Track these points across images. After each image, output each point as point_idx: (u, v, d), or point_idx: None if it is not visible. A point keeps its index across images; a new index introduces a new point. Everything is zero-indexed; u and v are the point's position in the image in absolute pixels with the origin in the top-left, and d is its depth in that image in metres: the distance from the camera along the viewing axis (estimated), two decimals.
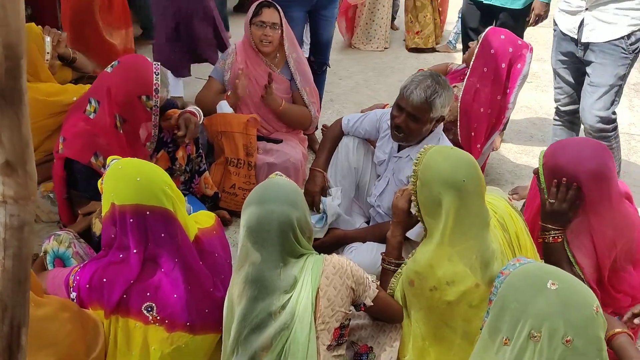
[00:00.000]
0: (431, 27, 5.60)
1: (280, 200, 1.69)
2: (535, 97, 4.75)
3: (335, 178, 2.83)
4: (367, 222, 2.90)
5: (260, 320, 1.68)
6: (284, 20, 3.09)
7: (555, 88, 3.29)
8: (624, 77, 2.91)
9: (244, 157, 2.97)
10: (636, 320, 1.83)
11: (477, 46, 3.01)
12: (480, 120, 3.05)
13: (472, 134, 3.05)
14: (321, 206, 2.71)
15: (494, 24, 3.58)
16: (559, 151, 2.08)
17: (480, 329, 1.49)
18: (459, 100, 3.01)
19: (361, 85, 4.82)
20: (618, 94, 2.94)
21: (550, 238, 2.09)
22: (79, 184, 2.45)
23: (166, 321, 1.80)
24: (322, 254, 1.78)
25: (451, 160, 1.83)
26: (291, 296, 1.68)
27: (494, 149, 3.74)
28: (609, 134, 2.98)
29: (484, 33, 3.03)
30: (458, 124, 3.02)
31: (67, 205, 2.55)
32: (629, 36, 2.82)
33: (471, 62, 3.02)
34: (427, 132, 2.51)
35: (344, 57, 5.40)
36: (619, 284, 2.11)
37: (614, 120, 2.99)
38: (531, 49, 3.04)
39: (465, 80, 3.04)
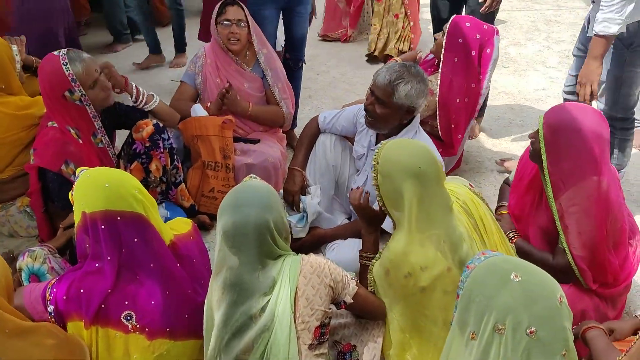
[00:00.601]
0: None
1: (254, 203, 1.69)
2: (513, 82, 4.77)
3: (314, 176, 2.83)
4: (349, 218, 2.90)
5: (241, 325, 1.68)
6: (249, 16, 3.07)
7: (569, 74, 3.24)
8: (623, 75, 2.77)
9: (221, 160, 2.96)
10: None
11: (445, 37, 3.00)
12: (459, 111, 3.06)
13: (452, 125, 3.06)
14: (301, 205, 2.71)
15: (463, 11, 3.56)
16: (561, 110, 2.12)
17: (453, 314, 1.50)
18: (437, 94, 3.01)
19: (338, 80, 4.81)
20: (622, 92, 2.81)
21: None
22: (52, 194, 2.43)
23: (146, 329, 1.79)
24: (299, 254, 1.78)
25: (406, 150, 1.90)
26: (270, 298, 1.68)
27: (473, 137, 3.75)
28: (614, 131, 2.84)
29: (448, 23, 3.02)
30: (437, 117, 3.02)
31: (46, 219, 2.53)
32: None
33: (441, 55, 3.01)
34: (395, 121, 2.50)
35: (321, 51, 5.39)
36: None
37: (624, 120, 2.89)
38: (497, 32, 3.06)
39: (439, 73, 3.04)
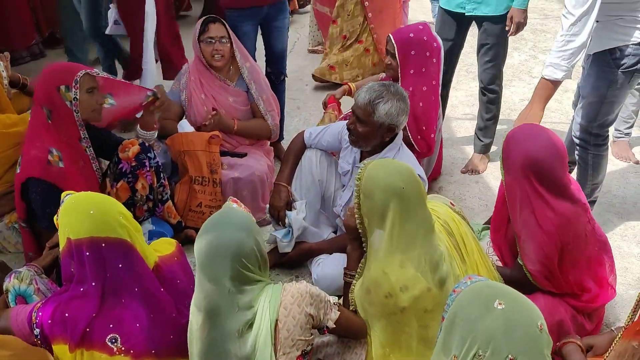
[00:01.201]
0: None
1: (228, 230, 1.70)
2: (474, 86, 4.81)
3: (300, 191, 2.87)
4: (335, 232, 2.94)
5: (222, 357, 1.71)
6: (231, 32, 3.11)
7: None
8: (607, 93, 2.74)
9: (208, 175, 2.99)
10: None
11: (397, 57, 3.00)
12: (425, 112, 3.10)
13: (423, 127, 3.10)
14: (287, 220, 2.75)
15: (478, 32, 3.52)
16: (520, 129, 2.20)
17: (438, 336, 1.53)
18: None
19: (327, 89, 4.83)
20: (602, 110, 2.80)
21: None
22: (35, 212, 2.45)
23: (131, 351, 1.81)
24: (280, 283, 1.80)
25: (389, 170, 1.94)
26: (251, 330, 1.70)
27: (478, 172, 3.71)
28: (588, 146, 2.88)
29: (392, 42, 3.01)
30: (407, 127, 3.05)
31: (30, 233, 2.55)
32: (611, 51, 2.68)
33: (399, 74, 3.05)
34: (377, 140, 2.54)
35: (308, 63, 5.42)
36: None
37: (597, 136, 2.86)
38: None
39: None
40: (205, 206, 3.01)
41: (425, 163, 3.29)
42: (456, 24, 3.48)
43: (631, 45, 2.62)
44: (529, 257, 2.16)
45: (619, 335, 1.73)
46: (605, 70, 2.72)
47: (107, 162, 2.77)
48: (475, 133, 3.75)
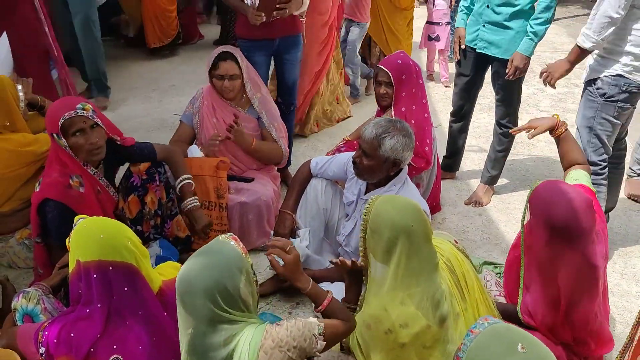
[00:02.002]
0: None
1: (206, 268, 1.70)
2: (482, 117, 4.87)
3: (304, 219, 2.93)
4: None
5: None
6: (243, 66, 3.17)
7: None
8: (593, 122, 2.91)
9: (215, 200, 3.05)
10: None
11: (393, 84, 3.13)
12: (418, 129, 3.18)
13: (417, 143, 3.14)
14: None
15: (489, 70, 3.62)
16: (547, 186, 2.11)
17: None
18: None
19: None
20: (591, 139, 2.94)
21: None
22: (50, 230, 2.49)
23: None
24: (264, 323, 1.78)
25: (399, 207, 1.95)
26: None
27: (482, 205, 3.73)
28: None
29: (380, 71, 3.18)
30: None
31: (43, 249, 2.59)
32: (594, 81, 2.90)
33: (392, 103, 3.18)
34: (382, 174, 2.61)
35: None
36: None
37: (593, 164, 2.92)
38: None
39: (392, 113, 3.19)
40: (211, 230, 3.06)
41: (426, 178, 3.36)
42: (473, 60, 3.58)
43: (610, 77, 2.86)
44: (531, 308, 2.17)
45: None
46: (591, 99, 2.95)
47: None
48: (485, 164, 3.81)
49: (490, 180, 3.80)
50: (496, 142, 3.73)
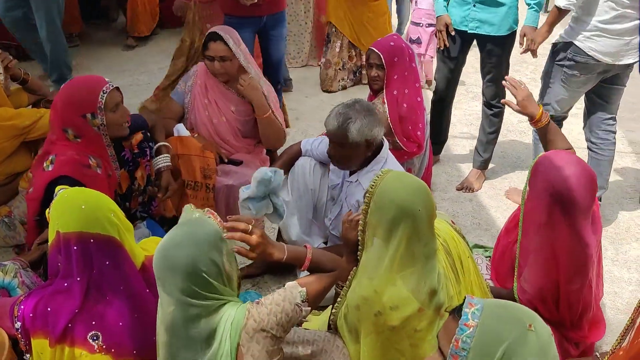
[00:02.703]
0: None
1: (186, 242, 1.63)
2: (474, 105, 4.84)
3: (293, 196, 2.85)
4: (325, 243, 2.93)
5: None
6: (237, 47, 3.07)
7: None
8: (549, 81, 3.25)
9: (201, 180, 2.98)
10: None
11: (385, 66, 3.10)
12: (410, 111, 3.16)
13: (410, 127, 3.16)
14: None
15: (480, 52, 3.60)
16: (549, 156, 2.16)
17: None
18: (387, 116, 3.10)
19: (326, 103, 4.85)
20: (544, 93, 3.30)
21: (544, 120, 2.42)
22: None
23: (112, 350, 1.80)
24: (246, 303, 1.72)
25: (409, 189, 1.84)
26: (210, 349, 1.64)
27: (473, 190, 3.70)
28: None
29: (372, 53, 3.13)
30: (393, 132, 3.11)
31: (37, 227, 2.48)
32: (556, 44, 3.17)
33: (384, 85, 3.13)
34: (361, 158, 2.53)
35: (310, 74, 5.45)
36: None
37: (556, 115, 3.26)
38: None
39: (384, 96, 3.14)
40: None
41: (418, 163, 3.33)
42: (460, 42, 3.52)
43: (563, 43, 3.10)
44: (528, 282, 2.14)
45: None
46: (550, 59, 3.24)
47: None
48: (476, 148, 3.78)
49: (483, 164, 3.76)
50: (487, 124, 3.71)
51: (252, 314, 1.67)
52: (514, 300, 2.17)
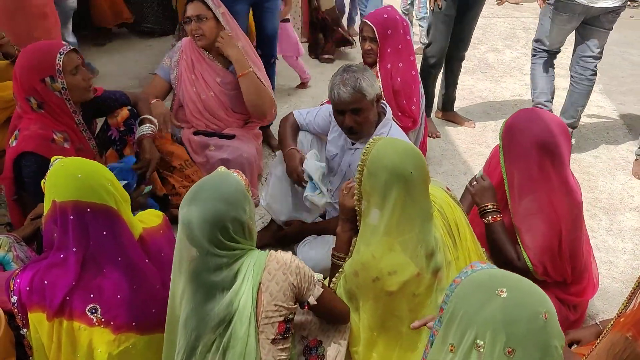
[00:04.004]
0: None
1: (212, 195, 1.65)
2: (490, 87, 4.83)
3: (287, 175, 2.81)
4: (322, 217, 2.91)
5: (204, 318, 1.68)
6: (217, 8, 3.00)
7: None
8: (542, 18, 3.79)
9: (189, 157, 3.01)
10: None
11: (377, 39, 3.08)
12: (405, 85, 3.15)
13: (404, 101, 3.15)
14: (305, 176, 2.62)
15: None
16: (519, 114, 2.23)
17: (431, 341, 1.39)
18: (380, 88, 3.04)
19: (318, 80, 4.81)
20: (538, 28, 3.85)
21: (490, 218, 2.21)
22: (25, 181, 2.36)
23: (111, 323, 1.76)
24: (267, 250, 1.76)
25: (400, 152, 1.84)
26: (231, 290, 1.67)
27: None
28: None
29: (365, 25, 3.13)
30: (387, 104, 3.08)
31: (17, 207, 2.47)
32: None
33: (377, 55, 3.12)
34: (376, 116, 2.51)
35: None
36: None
37: (533, 49, 3.92)
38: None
39: (378, 69, 3.13)
40: (180, 188, 2.97)
41: (413, 138, 3.30)
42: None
43: None
44: (533, 248, 2.14)
45: (609, 326, 1.70)
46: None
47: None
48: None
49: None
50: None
51: (275, 256, 1.73)
52: (527, 268, 2.15)
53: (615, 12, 3.48)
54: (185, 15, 2.98)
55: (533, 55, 3.89)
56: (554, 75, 3.86)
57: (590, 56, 3.64)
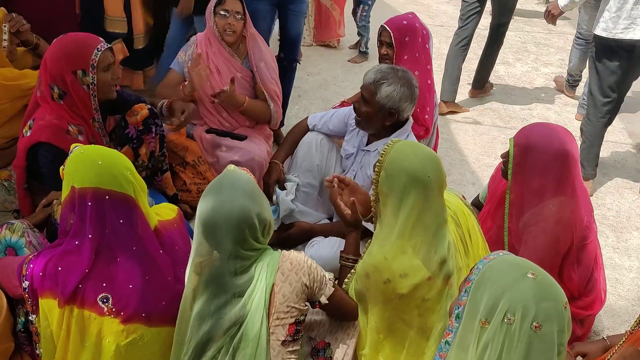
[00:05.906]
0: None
1: (234, 195, 1.65)
2: (500, 100, 4.83)
3: (294, 173, 2.83)
4: (330, 219, 2.91)
5: (217, 320, 1.68)
6: (246, 9, 3.03)
7: None
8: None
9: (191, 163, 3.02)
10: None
11: (394, 45, 3.07)
12: (420, 96, 3.09)
13: (418, 110, 3.12)
14: (274, 198, 2.70)
15: None
16: (530, 131, 2.25)
17: (456, 313, 1.46)
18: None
19: (329, 82, 4.82)
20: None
21: None
22: (41, 169, 2.35)
23: (121, 313, 1.75)
24: (279, 250, 1.76)
25: (419, 156, 1.84)
26: (245, 292, 1.67)
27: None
28: None
29: (383, 32, 3.10)
30: None
31: (27, 195, 2.46)
32: None
33: (393, 61, 3.10)
34: (378, 123, 2.53)
35: (313, 53, 5.40)
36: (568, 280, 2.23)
37: None
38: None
39: None
40: (190, 184, 2.99)
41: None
42: None
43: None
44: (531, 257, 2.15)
45: (622, 341, 1.71)
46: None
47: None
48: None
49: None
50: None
51: (289, 257, 1.73)
52: None
53: None
54: (222, 7, 2.96)
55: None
56: None
57: None
